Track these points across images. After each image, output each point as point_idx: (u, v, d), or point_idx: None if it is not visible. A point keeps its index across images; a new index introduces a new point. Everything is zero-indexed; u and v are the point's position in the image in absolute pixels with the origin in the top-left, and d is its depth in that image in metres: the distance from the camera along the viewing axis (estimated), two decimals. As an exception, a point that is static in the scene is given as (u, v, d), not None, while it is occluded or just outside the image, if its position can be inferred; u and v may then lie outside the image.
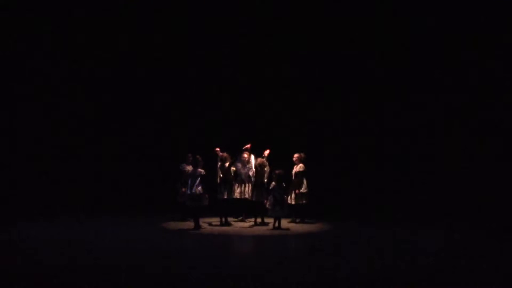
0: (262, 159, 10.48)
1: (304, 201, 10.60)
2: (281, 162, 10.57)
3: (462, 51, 13.25)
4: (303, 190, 10.52)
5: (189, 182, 9.78)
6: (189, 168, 10.20)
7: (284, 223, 10.44)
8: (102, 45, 14.29)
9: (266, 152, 10.56)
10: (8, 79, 13.77)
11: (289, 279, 5.87)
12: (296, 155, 10.74)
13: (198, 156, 9.89)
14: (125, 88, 14.75)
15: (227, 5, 14.02)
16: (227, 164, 10.31)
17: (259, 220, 10.52)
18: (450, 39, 13.37)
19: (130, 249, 7.78)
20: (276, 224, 9.86)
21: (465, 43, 13.17)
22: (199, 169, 9.75)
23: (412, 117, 14.32)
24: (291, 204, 10.46)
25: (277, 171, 9.98)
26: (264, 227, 10.15)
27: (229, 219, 10.57)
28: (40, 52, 13.96)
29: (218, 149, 10.54)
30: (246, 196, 10.52)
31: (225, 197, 10.30)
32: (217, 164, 10.49)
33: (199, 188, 9.61)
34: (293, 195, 10.54)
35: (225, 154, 10.40)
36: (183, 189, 10.31)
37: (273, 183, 9.89)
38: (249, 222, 10.71)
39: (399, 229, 10.23)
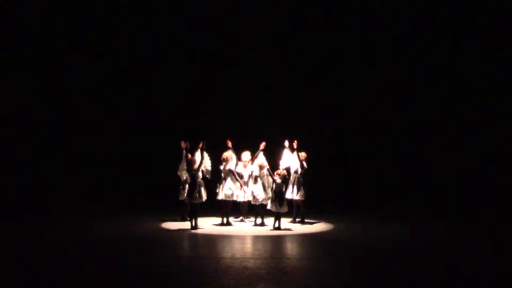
0: (261, 160, 10.43)
1: (303, 200, 10.57)
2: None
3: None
4: (302, 188, 10.50)
5: (188, 181, 9.81)
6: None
7: (285, 223, 10.43)
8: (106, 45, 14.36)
9: (262, 145, 10.50)
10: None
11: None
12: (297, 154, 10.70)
13: (194, 157, 9.88)
14: (125, 88, 14.76)
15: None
16: (228, 165, 10.28)
17: (259, 220, 10.50)
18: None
19: (125, 248, 7.78)
20: (276, 224, 9.85)
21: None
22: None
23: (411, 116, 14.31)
24: (290, 203, 10.45)
25: (278, 171, 9.99)
26: (264, 227, 10.13)
27: (229, 219, 10.55)
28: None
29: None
30: (247, 197, 10.48)
31: (225, 197, 10.29)
32: (219, 164, 10.46)
33: (197, 187, 9.63)
34: (292, 194, 10.50)
35: (227, 155, 10.34)
36: (181, 189, 10.35)
37: (276, 179, 9.84)
38: (249, 222, 10.71)
39: (399, 228, 10.25)
